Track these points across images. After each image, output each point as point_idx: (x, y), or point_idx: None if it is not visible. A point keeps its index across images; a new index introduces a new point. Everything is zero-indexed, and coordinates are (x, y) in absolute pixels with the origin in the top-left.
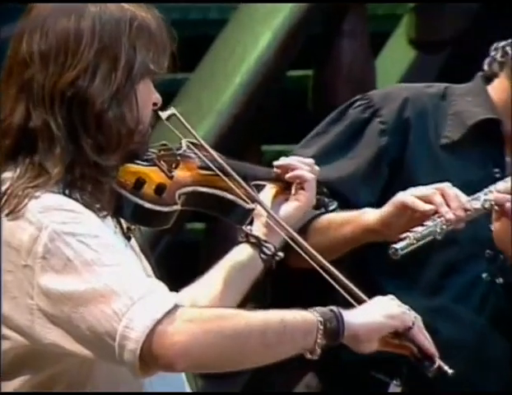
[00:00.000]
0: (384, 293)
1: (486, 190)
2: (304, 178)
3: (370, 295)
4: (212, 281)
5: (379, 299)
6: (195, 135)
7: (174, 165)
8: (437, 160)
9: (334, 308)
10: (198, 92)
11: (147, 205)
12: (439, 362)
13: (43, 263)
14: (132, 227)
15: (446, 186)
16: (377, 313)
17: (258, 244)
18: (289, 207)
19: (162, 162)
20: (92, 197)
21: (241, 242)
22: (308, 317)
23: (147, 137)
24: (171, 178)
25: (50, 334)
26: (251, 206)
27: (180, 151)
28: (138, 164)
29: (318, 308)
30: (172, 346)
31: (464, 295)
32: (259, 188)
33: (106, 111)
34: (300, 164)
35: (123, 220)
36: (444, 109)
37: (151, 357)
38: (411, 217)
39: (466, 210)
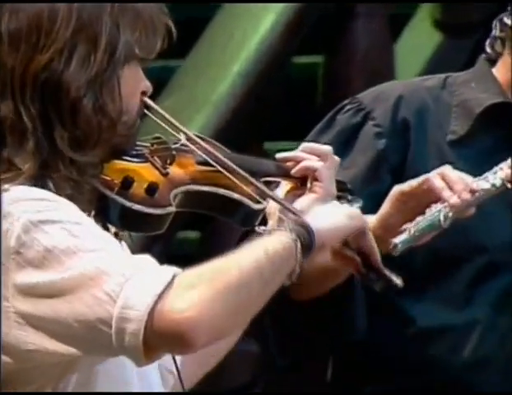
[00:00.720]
0: (407, 316)
1: (495, 168)
2: (313, 168)
3: (394, 321)
4: None
5: (329, 204)
6: (176, 124)
7: (168, 161)
8: (446, 160)
9: (302, 220)
10: (192, 82)
11: (136, 207)
12: (386, 272)
13: (17, 259)
14: (121, 233)
15: (446, 168)
16: (339, 215)
17: None
18: (305, 201)
19: (155, 158)
20: (69, 198)
21: None
22: (285, 240)
23: (135, 129)
24: (165, 175)
25: (29, 338)
26: (259, 206)
27: (177, 145)
28: (127, 160)
29: (284, 225)
30: (182, 320)
31: (497, 305)
32: (270, 186)
33: (82, 99)
34: (305, 155)
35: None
36: (447, 100)
37: (156, 338)
38: (412, 211)
39: (473, 192)
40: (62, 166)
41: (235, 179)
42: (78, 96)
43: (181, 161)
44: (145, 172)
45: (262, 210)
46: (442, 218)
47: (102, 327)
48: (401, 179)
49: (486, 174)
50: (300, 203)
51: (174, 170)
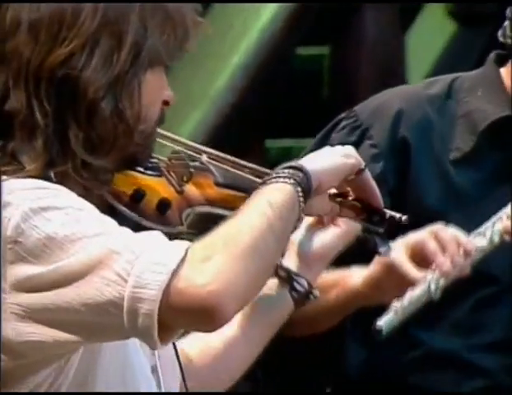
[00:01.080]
0: (414, 341)
1: (495, 218)
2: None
3: (400, 345)
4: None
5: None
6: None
7: (185, 178)
8: (449, 181)
9: (296, 164)
10: (188, 75)
11: (145, 222)
12: (389, 212)
13: (16, 249)
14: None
15: (439, 228)
16: (334, 155)
17: (288, 279)
18: (326, 236)
19: (171, 173)
20: None
21: None
22: (287, 189)
23: (152, 139)
24: (180, 193)
25: (28, 329)
26: None
27: (196, 163)
28: (140, 172)
29: (281, 171)
30: (207, 294)
31: (503, 329)
32: None
33: (101, 101)
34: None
35: None
36: (452, 111)
37: (174, 317)
38: (402, 278)
39: (467, 253)
40: (72, 168)
41: None
42: (97, 97)
43: (198, 180)
44: (158, 187)
45: None
46: (433, 288)
47: (112, 309)
48: (400, 201)
49: (487, 225)
50: (319, 240)
51: (190, 189)
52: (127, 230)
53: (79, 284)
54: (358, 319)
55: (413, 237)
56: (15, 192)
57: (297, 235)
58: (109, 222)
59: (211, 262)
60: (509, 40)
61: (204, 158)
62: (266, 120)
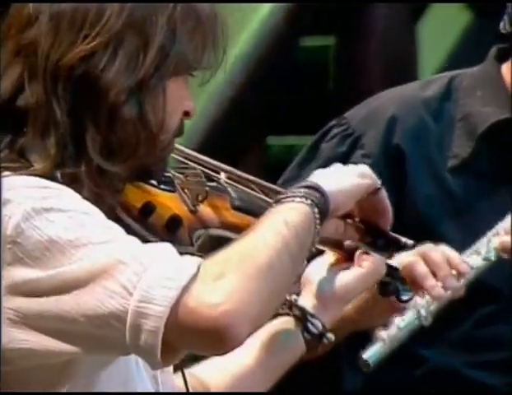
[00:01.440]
0: (417, 357)
1: (490, 233)
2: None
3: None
4: (236, 358)
5: (337, 165)
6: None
7: (200, 198)
8: (447, 190)
9: (313, 183)
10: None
11: (152, 238)
12: (395, 236)
13: (14, 250)
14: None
15: (429, 248)
16: (350, 175)
17: (302, 319)
18: (349, 276)
19: (186, 190)
20: None
21: (281, 314)
22: (303, 209)
23: (169, 152)
24: (193, 212)
25: (21, 336)
26: None
27: (213, 183)
28: (152, 185)
29: (297, 190)
30: (219, 315)
31: (507, 346)
32: (314, 253)
33: (123, 105)
34: None
35: None
36: (450, 113)
37: (181, 337)
38: (391, 303)
39: (461, 275)
40: (86, 172)
41: None
42: (118, 101)
43: (214, 201)
44: (170, 203)
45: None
46: (424, 314)
47: (114, 322)
48: (397, 212)
49: (478, 244)
50: (341, 280)
51: (204, 209)
52: (135, 240)
53: (80, 293)
54: (352, 345)
55: (401, 259)
56: (16, 190)
57: (317, 274)
58: (117, 229)
59: (224, 281)
60: (509, 30)
61: (223, 178)
62: (267, 116)
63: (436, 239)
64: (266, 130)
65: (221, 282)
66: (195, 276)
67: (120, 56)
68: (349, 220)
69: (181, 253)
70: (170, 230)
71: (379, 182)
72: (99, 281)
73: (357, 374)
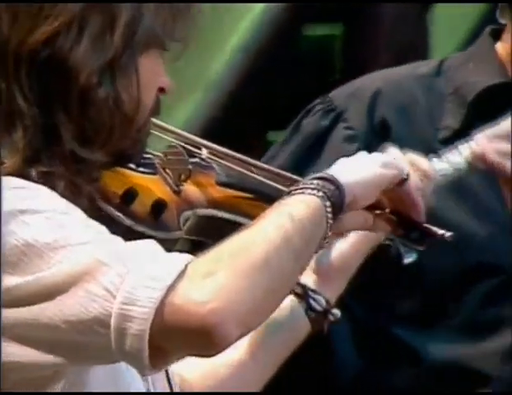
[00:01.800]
0: (410, 347)
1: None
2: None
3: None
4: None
5: (361, 153)
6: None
7: (183, 177)
8: None
9: (327, 175)
10: (180, 60)
11: (138, 227)
12: (430, 228)
13: None
14: None
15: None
16: (372, 165)
17: (304, 296)
18: (345, 244)
19: (167, 171)
20: None
21: None
22: (313, 202)
23: (146, 132)
24: (177, 193)
25: (6, 349)
26: None
27: (195, 159)
28: (132, 169)
29: (309, 181)
30: (206, 313)
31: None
32: None
33: (94, 88)
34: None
35: None
36: (441, 89)
37: (169, 339)
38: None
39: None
40: (60, 162)
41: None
42: (89, 83)
43: (198, 179)
44: (152, 186)
45: None
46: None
47: (98, 327)
48: None
49: (449, 153)
50: (339, 248)
51: (189, 189)
52: (117, 239)
53: (61, 298)
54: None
55: None
56: None
57: None
58: (98, 228)
59: (213, 277)
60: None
61: (205, 153)
62: (267, 111)
63: (428, 210)
64: (266, 124)
65: (209, 280)
66: (182, 275)
67: (86, 35)
68: (379, 212)
69: (169, 240)
70: (156, 215)
71: (405, 171)
72: (81, 285)
73: (349, 371)
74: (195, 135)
